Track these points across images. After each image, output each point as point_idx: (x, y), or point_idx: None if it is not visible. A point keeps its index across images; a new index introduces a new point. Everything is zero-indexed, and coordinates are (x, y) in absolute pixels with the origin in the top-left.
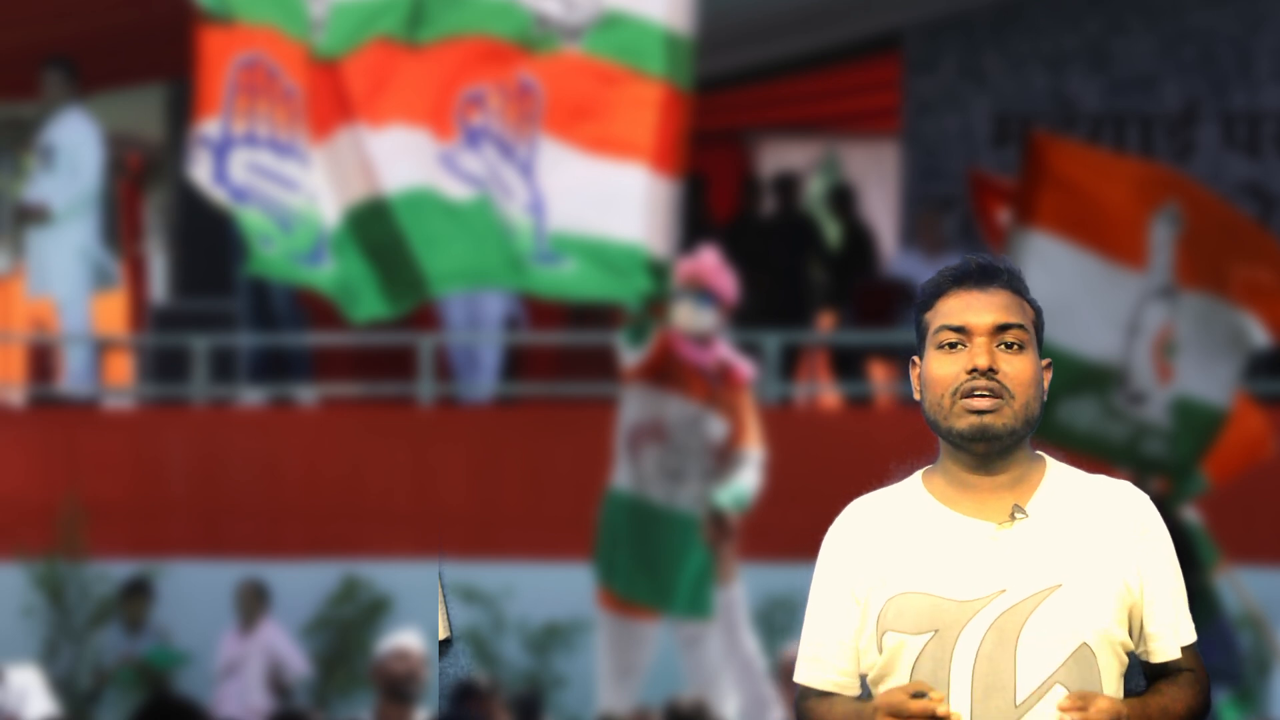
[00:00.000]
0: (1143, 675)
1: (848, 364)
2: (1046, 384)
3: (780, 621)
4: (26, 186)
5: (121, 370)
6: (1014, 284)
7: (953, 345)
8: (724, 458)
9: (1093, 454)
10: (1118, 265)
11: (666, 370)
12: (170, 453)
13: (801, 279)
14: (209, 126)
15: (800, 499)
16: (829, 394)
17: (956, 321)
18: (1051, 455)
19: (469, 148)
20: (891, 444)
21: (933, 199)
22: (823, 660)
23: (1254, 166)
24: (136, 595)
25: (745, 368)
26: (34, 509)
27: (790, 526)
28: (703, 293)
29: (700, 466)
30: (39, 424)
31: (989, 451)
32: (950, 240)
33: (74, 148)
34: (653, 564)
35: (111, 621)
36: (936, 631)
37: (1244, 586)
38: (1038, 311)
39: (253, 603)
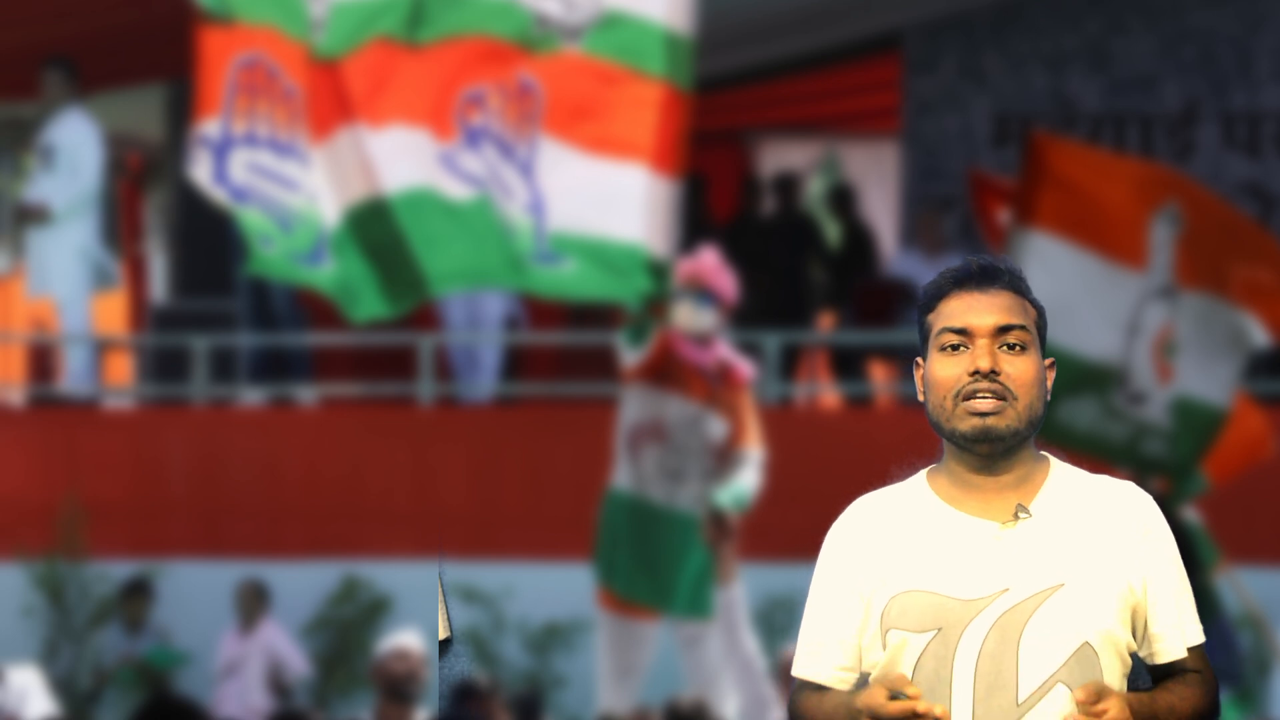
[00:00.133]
0: (1150, 677)
1: (848, 364)
2: (1050, 383)
3: (780, 621)
4: (26, 186)
5: (121, 370)
6: (1015, 285)
7: (955, 347)
8: (724, 458)
9: (1093, 454)
10: (1118, 265)
11: (666, 370)
12: (170, 453)
13: (801, 279)
14: (209, 126)
15: (800, 499)
16: (829, 394)
17: (958, 323)
18: (1053, 455)
19: (469, 148)
20: (891, 444)
21: (933, 199)
22: (821, 655)
23: (1254, 166)
24: (136, 595)
25: (745, 368)
26: (34, 509)
27: (790, 526)
28: (703, 293)
29: (700, 466)
30: (39, 424)
31: (992, 452)
32: (950, 240)
33: (74, 148)
34: (653, 564)
35: (111, 621)
36: (940, 630)
37: (1244, 586)
38: (1040, 311)
39: (253, 603)
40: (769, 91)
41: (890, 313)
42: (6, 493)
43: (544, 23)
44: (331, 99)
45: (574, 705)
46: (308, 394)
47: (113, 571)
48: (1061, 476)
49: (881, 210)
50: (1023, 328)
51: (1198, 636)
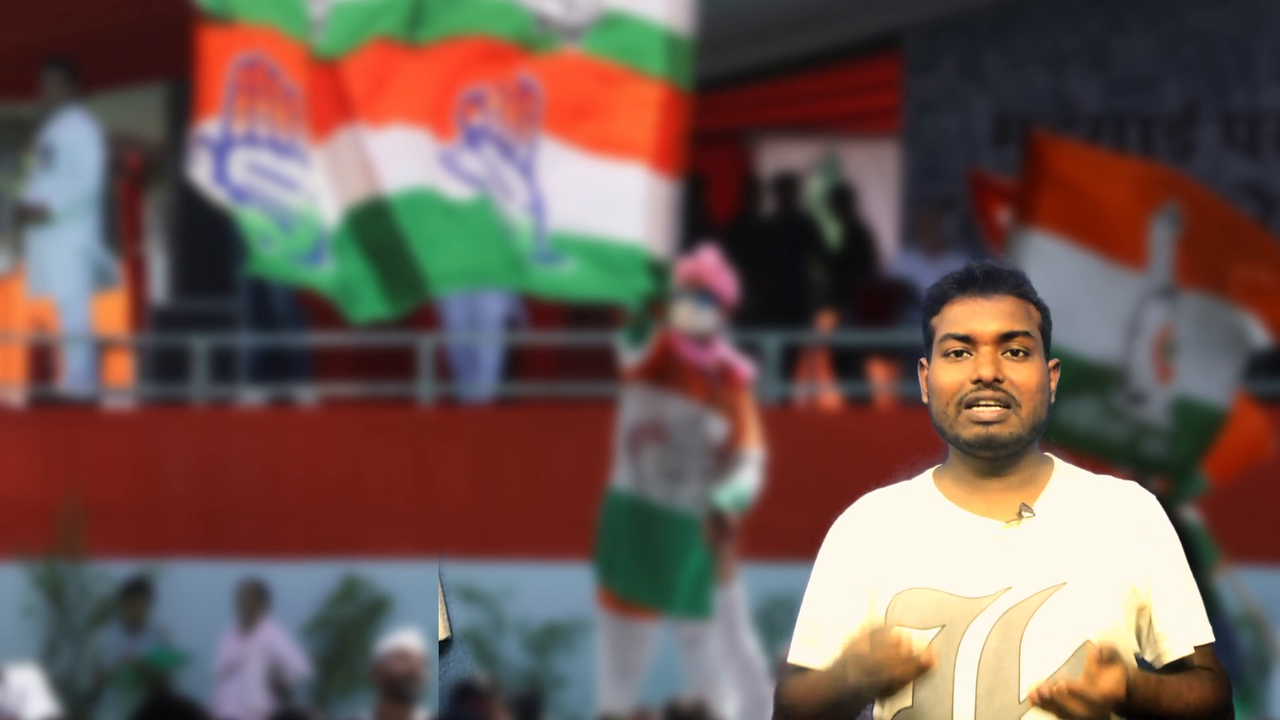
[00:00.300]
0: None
1: (848, 364)
2: (1054, 384)
3: (780, 621)
4: (26, 186)
5: (121, 370)
6: (1019, 288)
7: (958, 353)
8: (724, 458)
9: (1093, 454)
10: (1118, 265)
11: (666, 370)
12: (170, 453)
13: (801, 279)
14: (209, 126)
15: (800, 499)
16: (829, 394)
17: (961, 330)
18: (1056, 456)
19: (469, 148)
20: (891, 444)
21: (933, 199)
22: (818, 644)
23: (1254, 166)
24: (136, 595)
25: (745, 368)
26: (34, 509)
27: (790, 526)
28: (703, 293)
29: (700, 466)
30: (39, 424)
31: (995, 458)
32: (950, 240)
33: (74, 148)
34: (653, 564)
35: (111, 621)
36: (943, 627)
37: (1244, 586)
38: (1045, 313)
39: (253, 603)
40: (769, 91)
41: (890, 313)
42: (6, 493)
43: (544, 23)
44: (331, 99)
45: (574, 705)
46: (308, 394)
47: (113, 571)
48: (1065, 477)
49: (881, 210)
50: (1026, 334)
51: (1205, 635)
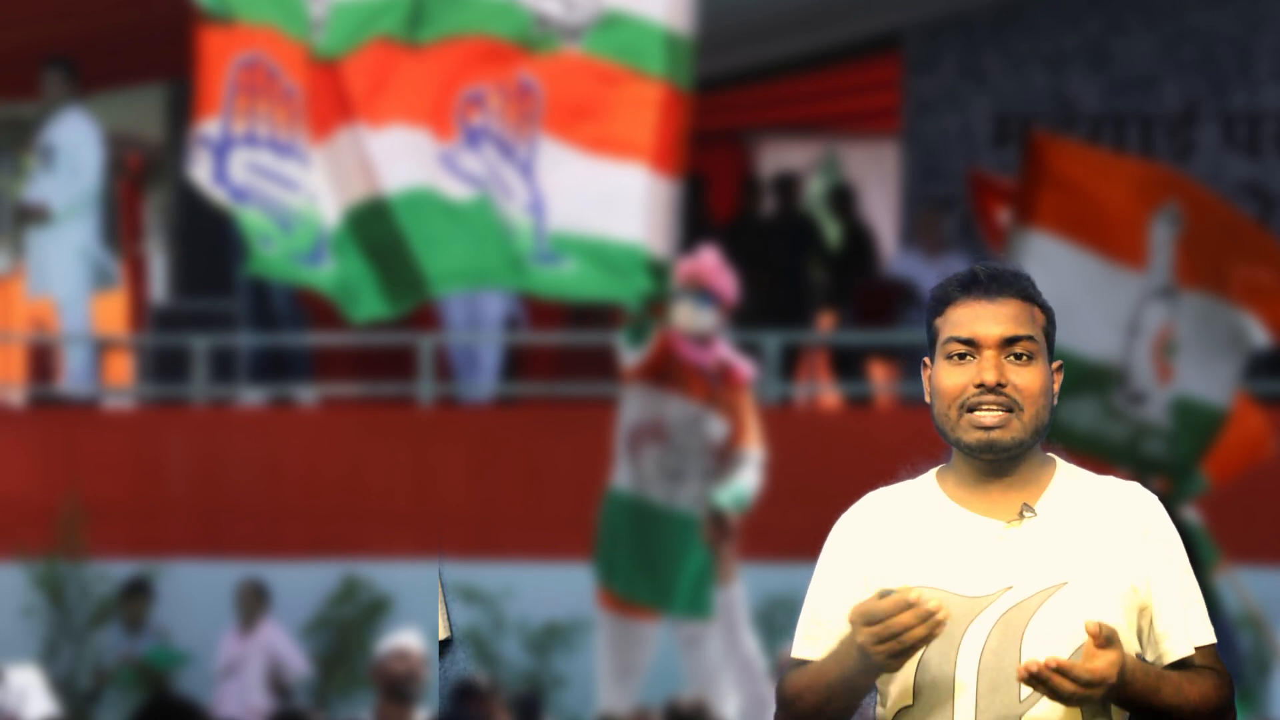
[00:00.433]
0: None
1: (848, 364)
2: (1058, 386)
3: (780, 621)
4: (26, 186)
5: (121, 370)
6: (1024, 291)
7: (961, 356)
8: (724, 458)
9: (1093, 454)
10: (1118, 265)
11: (666, 370)
12: (170, 453)
13: (801, 279)
14: (209, 126)
15: (800, 499)
16: (829, 394)
17: (964, 333)
18: (1059, 456)
19: (469, 148)
20: (891, 444)
21: (933, 199)
22: (821, 640)
23: (1254, 166)
24: (136, 595)
25: (745, 368)
26: (34, 509)
27: (790, 526)
28: (703, 293)
29: (700, 466)
30: (39, 424)
31: (997, 461)
32: (950, 240)
33: (74, 148)
34: (653, 564)
35: (111, 621)
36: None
37: (1244, 586)
38: (1049, 315)
39: (253, 603)
40: (769, 91)
41: (890, 313)
42: (6, 493)
43: (544, 23)
44: (331, 99)
45: (574, 705)
46: (308, 394)
47: (113, 571)
48: (1067, 477)
49: (881, 210)
50: (1030, 338)
51: (1206, 636)
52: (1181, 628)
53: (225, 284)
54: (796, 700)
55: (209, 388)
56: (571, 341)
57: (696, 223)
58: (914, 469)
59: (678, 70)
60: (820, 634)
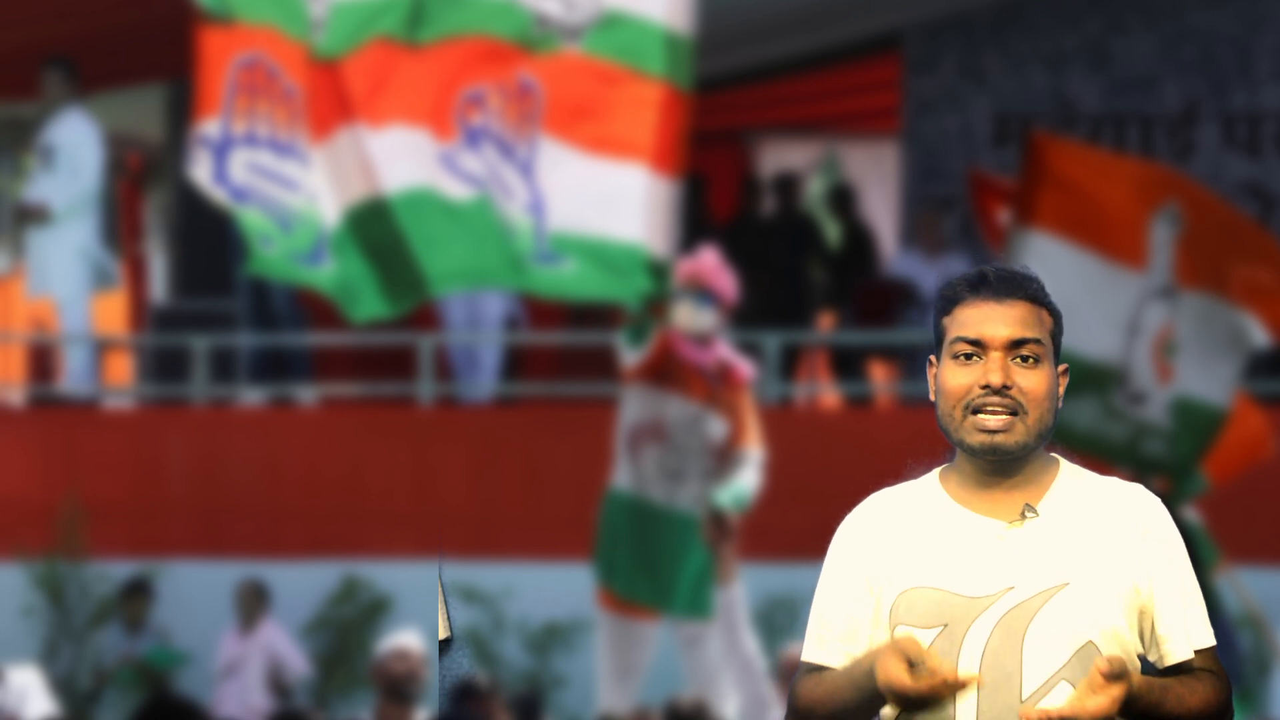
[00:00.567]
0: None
1: (848, 364)
2: (1063, 389)
3: (780, 621)
4: (26, 186)
5: (121, 370)
6: (1033, 294)
7: (968, 356)
8: (724, 458)
9: (1093, 454)
10: (1118, 265)
11: (666, 370)
12: (170, 453)
13: (801, 279)
14: (209, 126)
15: (800, 499)
16: (829, 394)
17: (972, 334)
18: (1062, 457)
19: (469, 148)
20: (891, 444)
21: (933, 199)
22: (830, 642)
23: (1254, 166)
24: (136, 595)
25: (745, 368)
26: (34, 509)
27: (790, 526)
28: (703, 293)
29: (700, 466)
30: (39, 424)
31: (1000, 462)
32: (950, 240)
33: (74, 148)
34: (653, 564)
35: (111, 621)
36: (946, 626)
37: (1244, 586)
38: (1057, 318)
39: (253, 603)
40: (769, 91)
41: (890, 313)
42: (6, 493)
43: (544, 23)
44: (331, 99)
45: (574, 705)
46: (308, 394)
47: (113, 571)
48: (1070, 478)
49: (881, 210)
50: (1037, 341)
51: (1206, 639)
52: (1182, 630)
53: (225, 284)
54: (810, 712)
55: (209, 388)
56: (571, 341)
57: (696, 223)
58: (913, 469)
59: (678, 70)
60: (827, 637)
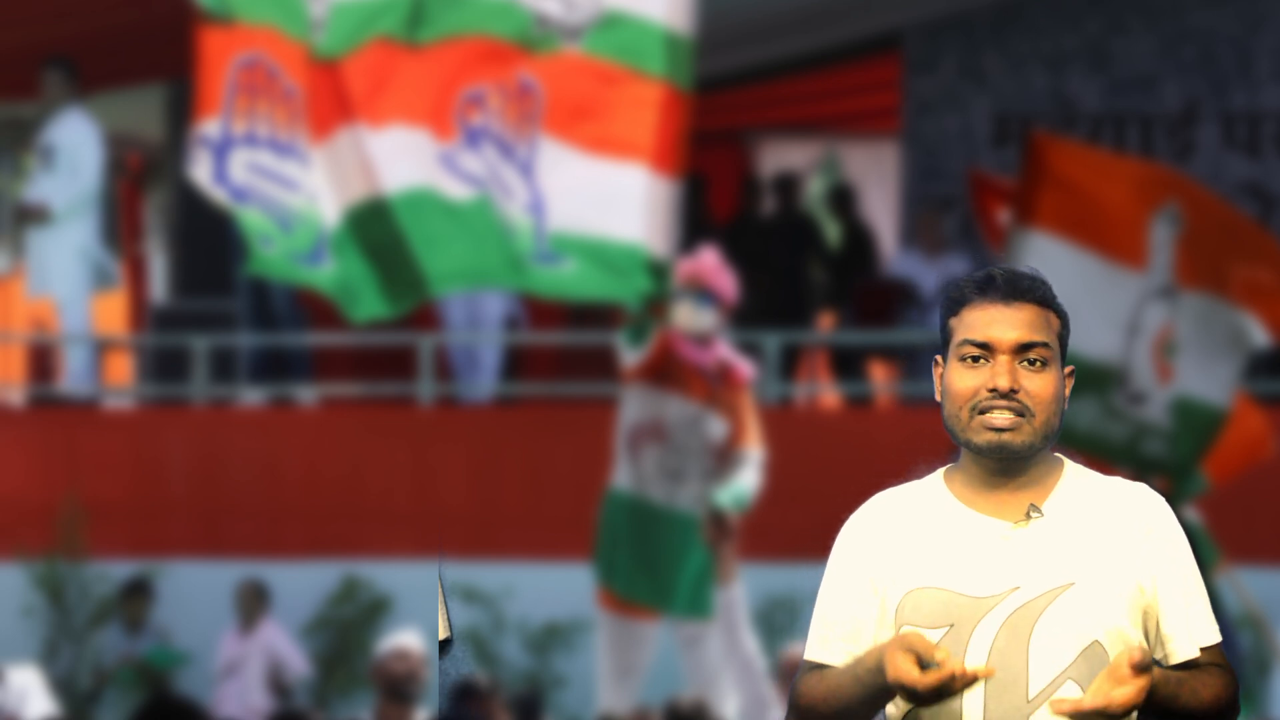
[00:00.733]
0: None
1: (848, 364)
2: (1069, 391)
3: (780, 621)
4: (26, 186)
5: (121, 370)
6: (1041, 296)
7: (975, 359)
8: (724, 458)
9: (1093, 454)
10: (1118, 265)
11: (666, 370)
12: (170, 453)
13: (801, 279)
14: (209, 126)
15: (800, 499)
16: (829, 394)
17: (980, 337)
18: (1066, 457)
19: (469, 148)
20: (891, 444)
21: (933, 199)
22: (834, 641)
23: (1254, 166)
24: (136, 595)
25: (745, 368)
26: (34, 509)
27: (790, 526)
28: (703, 293)
29: (700, 466)
30: (39, 424)
31: (1006, 462)
32: (950, 240)
33: (74, 148)
34: (653, 564)
35: (111, 621)
36: (952, 626)
37: (1244, 586)
38: (1064, 320)
39: (253, 603)
40: (769, 91)
41: (890, 313)
42: (6, 493)
43: (544, 23)
44: (331, 99)
45: (574, 705)
46: (308, 394)
47: (113, 571)
48: (1074, 478)
49: (881, 210)
50: (1045, 344)
51: (1212, 636)
52: (1187, 629)
53: (225, 284)
54: (811, 709)
55: (209, 388)
56: (571, 341)
57: (696, 223)
58: (914, 469)
59: (678, 70)
60: (831, 636)
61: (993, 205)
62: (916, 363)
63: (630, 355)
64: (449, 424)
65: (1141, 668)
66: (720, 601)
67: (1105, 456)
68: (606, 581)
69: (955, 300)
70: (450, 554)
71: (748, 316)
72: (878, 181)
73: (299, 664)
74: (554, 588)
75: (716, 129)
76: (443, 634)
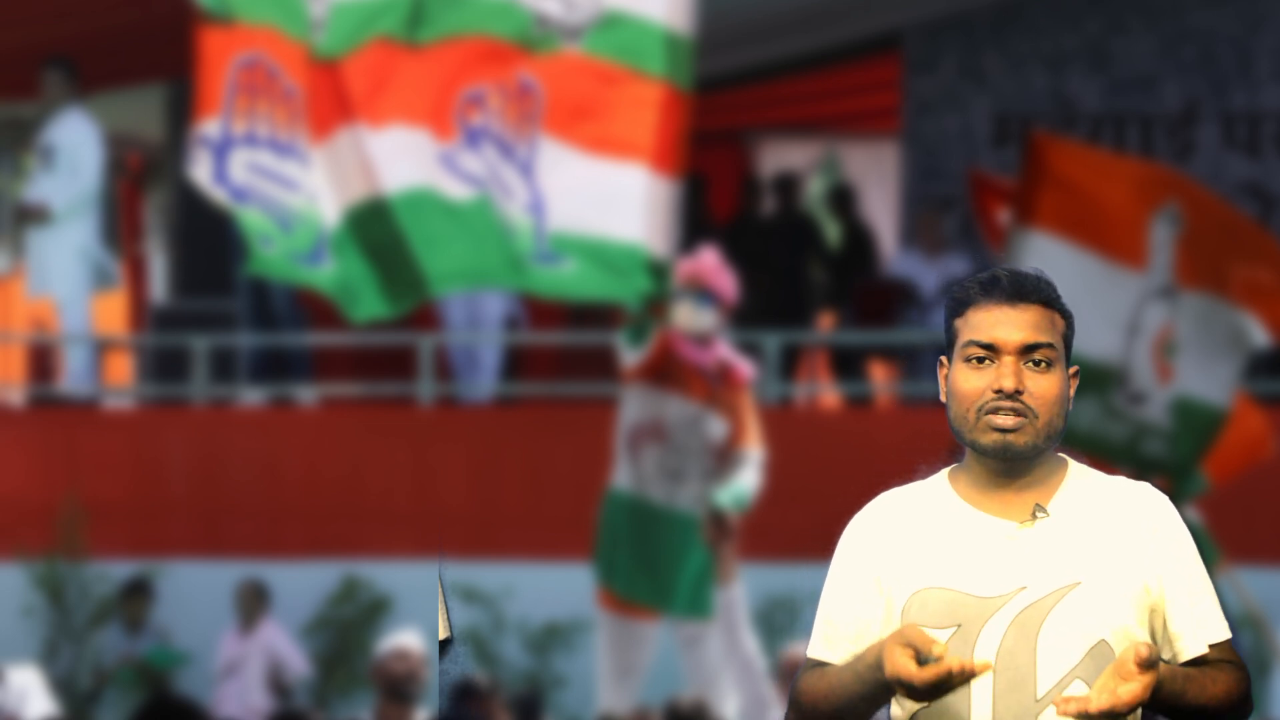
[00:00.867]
0: None
1: (848, 364)
2: (1073, 391)
3: (780, 621)
4: (26, 186)
5: (121, 370)
6: (1046, 297)
7: (980, 360)
8: (724, 458)
9: (1093, 454)
10: (1118, 265)
11: (666, 370)
12: (170, 453)
13: (801, 279)
14: (209, 126)
15: (800, 499)
16: (829, 394)
17: (985, 338)
18: (1070, 457)
19: (469, 148)
20: (891, 444)
21: (933, 199)
22: (837, 640)
23: (1254, 166)
24: (136, 595)
25: (745, 368)
26: (34, 509)
27: (790, 526)
28: (703, 293)
29: (700, 466)
30: (39, 424)
31: (1011, 462)
32: (950, 240)
33: (74, 148)
34: (653, 564)
35: (111, 621)
36: (959, 626)
37: (1244, 586)
38: (1069, 320)
39: (253, 603)
40: (769, 91)
41: (890, 313)
42: (6, 493)
43: (544, 23)
44: (331, 99)
45: (574, 705)
46: (308, 394)
47: (113, 571)
48: (1078, 478)
49: (881, 210)
50: (1050, 345)
51: (1220, 633)
52: (1195, 626)
53: (225, 284)
54: (812, 707)
55: (209, 388)
56: (571, 341)
57: (696, 223)
58: (914, 469)
59: (678, 70)
60: (835, 635)
61: (993, 205)
62: (916, 363)
63: (630, 355)
64: (449, 424)
65: (1147, 664)
66: (720, 601)
67: (1105, 456)
68: (606, 581)
69: (960, 301)
70: (450, 554)
71: (748, 316)
72: (878, 181)
73: (299, 664)
74: (554, 588)
75: (716, 129)
76: (443, 634)
